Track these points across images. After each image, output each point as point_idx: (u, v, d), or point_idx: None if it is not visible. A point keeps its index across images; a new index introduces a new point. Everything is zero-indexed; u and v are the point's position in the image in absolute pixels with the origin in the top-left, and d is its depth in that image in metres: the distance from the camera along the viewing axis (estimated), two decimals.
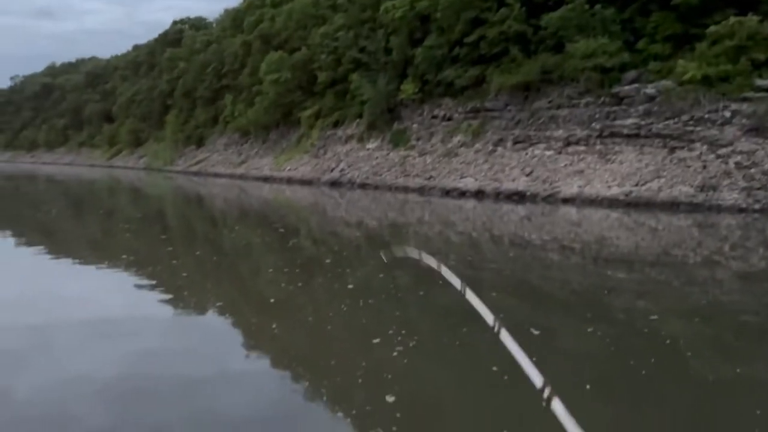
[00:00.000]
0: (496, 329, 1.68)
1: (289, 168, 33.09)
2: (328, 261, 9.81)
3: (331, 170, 29.37)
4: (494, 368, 4.62)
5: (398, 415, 3.99)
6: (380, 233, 14.08)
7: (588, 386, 4.50)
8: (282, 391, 4.47)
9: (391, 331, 5.60)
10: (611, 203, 17.30)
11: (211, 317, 6.56)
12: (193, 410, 4.05)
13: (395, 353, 5.04)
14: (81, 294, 7.28)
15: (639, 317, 6.34)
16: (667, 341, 5.58)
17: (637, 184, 17.46)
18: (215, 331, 6.00)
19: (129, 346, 5.20)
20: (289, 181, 31.20)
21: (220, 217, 18.70)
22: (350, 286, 7.79)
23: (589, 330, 5.79)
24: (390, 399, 4.16)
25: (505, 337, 1.67)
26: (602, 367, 4.93)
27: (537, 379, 1.52)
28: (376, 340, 5.42)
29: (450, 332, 5.72)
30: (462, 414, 4.17)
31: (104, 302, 6.86)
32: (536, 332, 5.55)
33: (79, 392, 4.26)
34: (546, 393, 1.46)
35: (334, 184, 27.73)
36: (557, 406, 1.42)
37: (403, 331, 5.58)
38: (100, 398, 4.17)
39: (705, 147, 16.92)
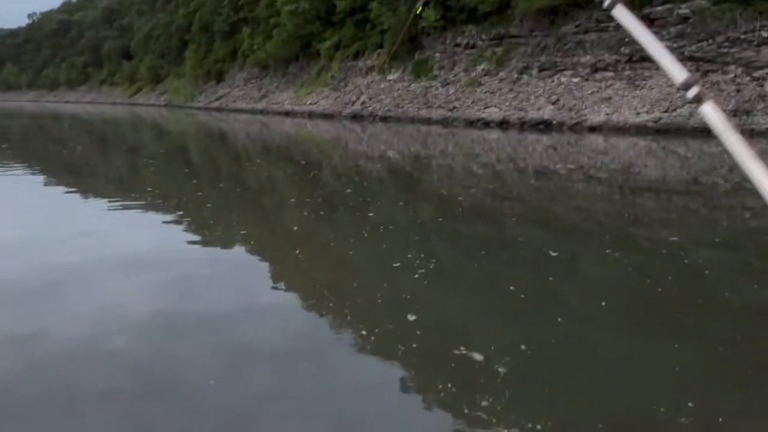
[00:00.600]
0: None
1: (309, 102, 32.73)
2: (349, 192, 9.83)
3: (352, 103, 28.97)
4: (511, 288, 4.77)
5: (418, 332, 4.14)
6: (402, 166, 13.99)
7: (608, 313, 4.51)
8: (307, 316, 4.62)
9: (410, 255, 5.74)
10: (639, 131, 16.86)
11: (237, 249, 6.67)
12: (223, 342, 4.15)
13: (416, 275, 5.18)
14: (109, 230, 7.42)
15: (665, 245, 6.26)
16: (694, 269, 5.52)
17: (666, 110, 16.92)
18: (241, 263, 6.12)
19: (159, 282, 5.33)
20: (310, 115, 30.94)
21: (242, 151, 18.73)
22: (371, 214, 7.83)
23: (613, 257, 5.76)
24: (411, 318, 4.32)
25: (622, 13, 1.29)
26: (624, 294, 4.91)
27: (679, 74, 1.21)
28: (396, 264, 5.55)
29: (469, 256, 5.83)
30: (479, 330, 4.30)
31: (133, 238, 6.99)
32: (554, 253, 5.55)
33: (114, 327, 4.39)
34: (693, 92, 1.16)
35: (356, 117, 27.42)
36: (707, 108, 1.14)
37: (422, 255, 5.72)
38: (134, 332, 4.30)
39: (740, 69, 16.23)
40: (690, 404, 3.28)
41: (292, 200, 9.41)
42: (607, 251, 6.01)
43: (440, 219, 7.14)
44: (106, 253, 6.23)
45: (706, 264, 5.72)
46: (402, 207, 8.50)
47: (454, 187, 10.49)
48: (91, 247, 6.50)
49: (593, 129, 18.00)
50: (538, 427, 3.10)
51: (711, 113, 1.18)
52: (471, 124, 21.64)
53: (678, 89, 1.22)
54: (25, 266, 5.79)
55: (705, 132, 14.67)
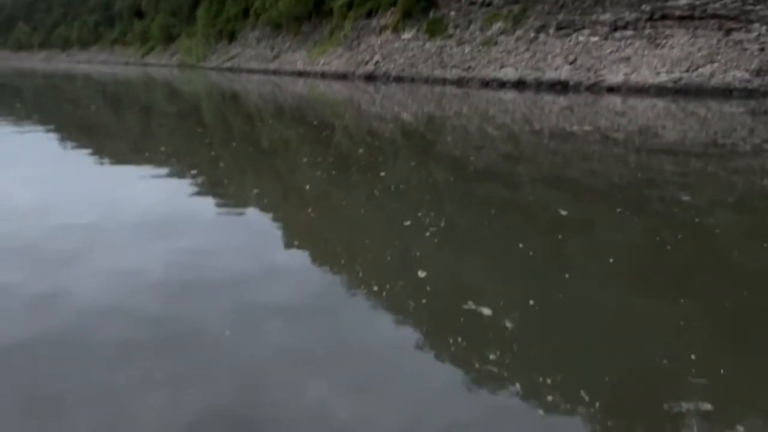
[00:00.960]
0: None
1: (322, 62, 32.35)
2: (362, 153, 9.79)
3: (366, 63, 28.60)
4: (520, 245, 4.94)
5: (428, 288, 4.25)
6: (416, 127, 13.87)
7: (618, 272, 4.52)
8: (320, 274, 4.70)
9: (420, 215, 5.87)
10: (659, 91, 16.52)
11: (251, 209, 6.71)
12: (238, 301, 4.22)
13: (427, 234, 5.32)
14: (124, 190, 7.48)
15: (679, 207, 6.20)
16: (707, 231, 5.48)
17: (687, 70, 16.54)
18: (255, 223, 6.17)
19: (175, 242, 5.39)
20: (323, 75, 30.62)
21: (255, 112, 18.65)
22: (383, 175, 7.82)
23: (625, 219, 5.72)
24: (421, 274, 4.43)
25: None
26: (635, 254, 4.90)
27: None
28: (407, 223, 5.68)
29: (480, 216, 5.90)
30: (488, 287, 4.40)
31: (147, 198, 7.05)
32: (566, 214, 5.54)
33: (133, 287, 4.47)
34: None
35: (369, 77, 27.10)
36: None
37: (433, 214, 5.84)
38: (152, 292, 4.38)
39: (764, 28, 15.73)
40: (693, 359, 3.31)
41: (305, 160, 9.40)
42: (620, 213, 5.97)
43: (453, 180, 7.13)
44: (122, 214, 6.30)
45: (719, 226, 5.66)
46: (414, 168, 8.46)
47: (467, 148, 10.41)
48: (106, 207, 6.57)
49: (611, 89, 17.66)
50: (548, 380, 3.15)
51: None
52: (486, 84, 21.31)
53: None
54: (42, 226, 5.87)
55: (726, 92, 14.45)
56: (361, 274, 4.64)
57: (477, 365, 3.36)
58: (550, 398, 3.08)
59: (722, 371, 3.25)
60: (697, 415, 2.93)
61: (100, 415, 3.02)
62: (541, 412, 2.99)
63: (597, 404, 3.08)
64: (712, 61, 16.04)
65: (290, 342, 3.70)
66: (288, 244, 5.46)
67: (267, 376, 3.34)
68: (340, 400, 3.14)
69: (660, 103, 15.21)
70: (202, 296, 4.33)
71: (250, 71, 37.18)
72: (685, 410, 2.97)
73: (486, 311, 3.84)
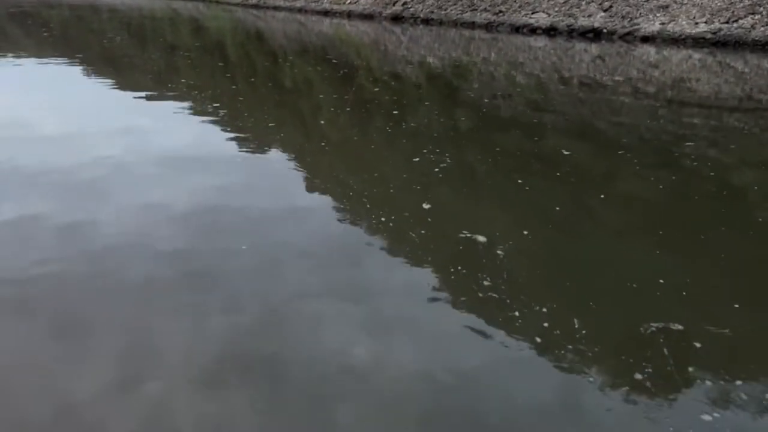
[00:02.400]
0: None
1: (349, 1, 31.57)
2: (384, 96, 9.69)
3: (393, 4, 27.85)
4: (519, 181, 5.41)
5: (429, 219, 4.59)
6: (442, 72, 13.62)
7: (637, 227, 4.50)
8: (340, 214, 4.82)
9: (425, 151, 6.19)
10: (696, 42, 15.93)
11: (273, 149, 6.74)
12: (260, 238, 4.32)
13: (437, 169, 5.66)
14: (149, 125, 7.54)
15: (708, 164, 6.09)
16: (735, 190, 5.39)
17: (728, 21, 15.86)
18: (276, 162, 6.24)
19: (199, 179, 5.47)
20: (350, 15, 29.94)
21: (279, 51, 18.42)
22: (404, 118, 7.79)
23: (651, 174, 5.64)
24: (426, 206, 4.78)
25: None
26: (657, 211, 4.86)
27: None
28: (416, 159, 5.98)
29: (484, 152, 6.09)
30: (485, 217, 4.74)
31: (172, 134, 7.11)
32: (590, 168, 5.48)
33: (158, 221, 4.59)
34: None
35: (396, 18, 26.45)
36: None
37: (437, 150, 6.19)
38: (176, 226, 4.49)
39: None
40: (700, 317, 3.34)
41: (327, 101, 9.35)
42: (645, 167, 5.88)
43: (476, 127, 7.06)
44: (147, 149, 6.38)
45: (748, 186, 5.56)
46: (438, 113, 8.36)
47: (493, 95, 10.23)
48: (132, 141, 6.65)
49: (646, 39, 17.06)
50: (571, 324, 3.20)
51: None
52: (517, 30, 20.69)
53: None
54: (69, 159, 5.98)
55: (766, 46, 13.83)
56: (368, 205, 4.85)
57: (484, 296, 3.43)
58: (546, 324, 3.16)
59: (729, 330, 3.26)
60: (693, 357, 2.98)
61: (127, 342, 3.16)
62: (538, 339, 3.17)
63: (584, 330, 3.18)
64: (754, 12, 15.33)
65: (310, 275, 3.80)
66: (308, 184, 5.55)
67: (288, 312, 3.46)
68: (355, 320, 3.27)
69: (696, 55, 14.68)
70: (226, 233, 4.43)
71: (276, 8, 36.45)
72: (672, 346, 3.02)
73: (499, 251, 3.89)
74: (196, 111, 8.29)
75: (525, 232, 4.42)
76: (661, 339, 3.17)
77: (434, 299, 3.61)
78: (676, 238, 4.35)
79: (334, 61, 14.88)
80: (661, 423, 2.65)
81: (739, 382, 2.88)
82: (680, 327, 3.26)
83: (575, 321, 3.32)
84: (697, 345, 3.11)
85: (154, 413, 2.67)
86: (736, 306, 3.49)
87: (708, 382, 2.90)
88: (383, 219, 4.66)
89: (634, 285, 3.71)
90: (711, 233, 4.45)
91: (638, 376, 2.91)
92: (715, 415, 2.69)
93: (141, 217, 4.64)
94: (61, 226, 4.45)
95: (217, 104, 8.50)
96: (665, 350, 3.06)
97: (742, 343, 3.17)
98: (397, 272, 3.92)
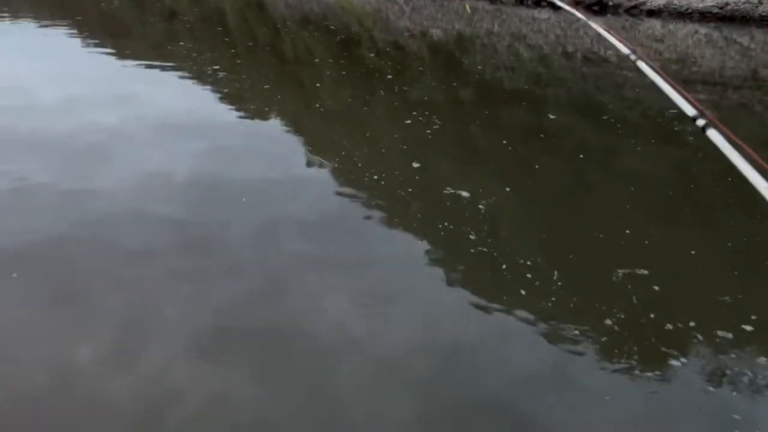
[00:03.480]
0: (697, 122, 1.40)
1: None
2: (386, 67, 9.59)
3: None
4: (504, 141, 5.72)
5: (417, 177, 4.83)
6: (445, 45, 13.46)
7: (636, 201, 4.50)
8: (339, 184, 4.84)
9: (415, 112, 6.38)
10: (702, 17, 15.71)
11: (272, 117, 6.71)
12: (258, 209, 4.30)
13: (428, 130, 5.90)
14: (148, 92, 7.46)
15: (710, 142, 6.05)
16: (735, 167, 5.37)
17: None
18: (275, 130, 6.25)
19: (198, 148, 5.43)
20: None
21: (281, 20, 18.17)
22: (406, 91, 7.75)
23: (654, 151, 5.62)
24: (415, 165, 5.04)
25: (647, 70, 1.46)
26: (658, 186, 4.85)
27: (689, 109, 1.39)
28: (408, 121, 6.13)
29: (502, 138, 5.99)
30: (469, 176, 4.97)
31: (171, 101, 7.04)
32: (592, 143, 5.48)
33: (158, 188, 4.58)
34: (701, 123, 1.34)
35: None
36: (713, 135, 1.32)
37: (426, 112, 6.39)
38: (176, 194, 4.48)
39: None
40: (698, 286, 3.39)
41: (327, 71, 9.25)
42: (647, 143, 5.85)
43: (479, 101, 7.02)
44: (146, 117, 6.33)
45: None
46: (439, 86, 8.29)
47: (496, 69, 10.12)
48: (130, 108, 6.59)
49: (652, 13, 16.82)
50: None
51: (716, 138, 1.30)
52: (521, 2, 20.38)
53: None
54: (69, 126, 5.94)
55: None
56: (360, 164, 5.03)
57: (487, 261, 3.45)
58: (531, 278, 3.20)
59: (726, 298, 3.29)
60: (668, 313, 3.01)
61: (128, 306, 3.17)
62: (523, 291, 3.33)
63: (561, 280, 3.36)
64: None
65: (306, 241, 3.82)
66: (307, 151, 5.55)
67: (287, 277, 3.47)
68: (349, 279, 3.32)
69: (702, 30, 14.50)
70: (225, 201, 4.42)
71: None
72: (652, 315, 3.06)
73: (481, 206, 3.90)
74: (195, 78, 8.21)
75: (507, 189, 4.67)
76: (628, 286, 3.34)
77: (418, 249, 3.81)
78: (667, 208, 4.36)
79: (335, 31, 14.68)
80: (634, 370, 2.78)
81: (707, 335, 2.96)
82: (646, 274, 3.44)
83: (555, 273, 3.48)
84: (670, 301, 3.15)
85: (153, 383, 2.69)
86: (734, 274, 3.55)
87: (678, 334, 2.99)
88: (343, 155, 4.68)
89: (621, 242, 3.84)
90: (708, 209, 4.45)
91: (608, 322, 3.06)
92: (683, 360, 2.83)
93: (140, 184, 4.62)
94: (60, 193, 4.44)
95: (216, 66, 8.45)
96: (634, 298, 3.21)
97: (729, 303, 3.20)
98: (394, 236, 3.96)
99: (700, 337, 2.99)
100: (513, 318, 3.15)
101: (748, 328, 3.06)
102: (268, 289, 3.37)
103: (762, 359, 2.86)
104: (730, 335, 3.00)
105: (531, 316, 3.15)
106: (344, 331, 3.05)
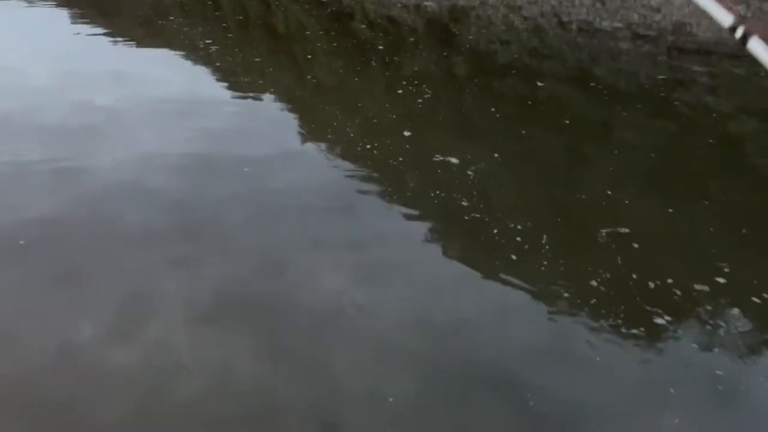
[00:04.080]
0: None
1: None
2: (379, 41, 9.50)
3: None
4: (492, 109, 5.95)
5: (408, 146, 4.97)
6: (439, 17, 13.31)
7: (632, 175, 4.52)
8: (333, 160, 4.86)
9: (406, 82, 6.53)
10: None
11: (266, 95, 6.66)
12: (255, 185, 4.30)
13: (420, 100, 6.05)
14: (141, 72, 7.38)
15: (707, 112, 6.06)
16: (733, 139, 5.38)
17: None
18: (270, 108, 6.21)
19: (192, 127, 5.40)
20: None
21: None
22: (400, 64, 7.70)
23: (650, 123, 5.62)
24: (407, 133, 5.16)
25: None
26: (655, 160, 4.86)
27: (724, 18, 1.32)
28: (400, 91, 6.26)
29: (464, 86, 6.29)
30: (460, 145, 5.03)
31: (164, 81, 6.98)
32: (588, 116, 5.51)
33: (153, 168, 4.56)
34: (739, 32, 1.26)
35: None
36: (754, 44, 1.23)
37: (416, 82, 6.52)
38: (170, 174, 4.47)
39: None
40: (676, 246, 3.45)
41: (320, 45, 9.16)
42: (643, 115, 5.85)
43: (472, 72, 6.98)
44: (140, 95, 6.27)
45: (747, 134, 5.55)
46: (434, 59, 8.22)
47: (491, 41, 10.04)
48: (125, 89, 6.53)
49: None
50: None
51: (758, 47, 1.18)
52: None
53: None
54: (62, 106, 5.89)
55: None
56: (352, 134, 5.12)
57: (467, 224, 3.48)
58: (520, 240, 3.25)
59: (724, 269, 3.33)
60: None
61: (126, 287, 3.19)
62: (514, 256, 3.44)
63: (549, 243, 3.47)
64: None
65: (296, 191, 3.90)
66: (300, 124, 5.56)
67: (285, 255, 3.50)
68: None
69: None
70: (221, 180, 4.42)
71: None
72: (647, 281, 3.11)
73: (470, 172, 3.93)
74: (187, 53, 8.12)
75: (496, 155, 4.78)
76: (612, 246, 3.46)
77: (411, 217, 3.91)
78: (669, 187, 4.37)
79: (327, 3, 14.48)
80: (620, 329, 2.88)
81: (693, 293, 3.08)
82: (628, 232, 3.58)
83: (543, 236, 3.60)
84: (652, 257, 3.20)
85: (155, 357, 2.72)
86: (710, 231, 3.64)
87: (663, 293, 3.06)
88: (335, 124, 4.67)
89: (605, 204, 3.97)
90: (703, 180, 4.47)
91: (593, 283, 3.16)
92: (667, 318, 2.94)
93: (136, 165, 4.61)
94: (55, 174, 4.42)
95: (209, 41, 8.37)
96: (618, 258, 3.33)
97: (727, 274, 3.24)
98: (389, 208, 4.01)
99: (678, 292, 3.12)
100: (505, 285, 3.24)
101: (721, 280, 3.20)
102: (266, 266, 3.39)
103: (735, 310, 3.00)
104: (706, 288, 3.16)
105: (521, 282, 3.23)
106: (343, 305, 3.08)
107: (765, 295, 3.15)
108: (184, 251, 3.48)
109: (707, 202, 4.18)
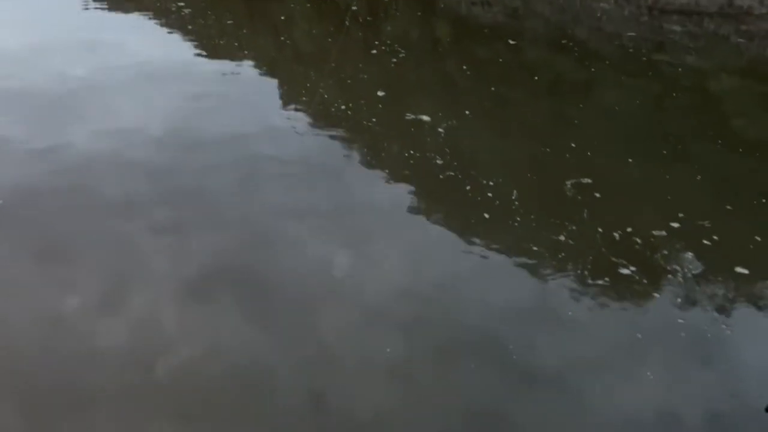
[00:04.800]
0: None
1: None
2: (351, 2, 9.34)
3: None
4: (464, 67, 5.92)
5: (380, 106, 5.05)
6: None
7: (613, 136, 4.56)
8: (317, 130, 4.80)
9: (381, 43, 6.56)
10: None
11: (246, 63, 6.53)
12: (238, 156, 4.26)
13: (394, 59, 6.15)
14: (117, 41, 7.14)
15: (687, 73, 6.08)
16: (712, 98, 5.43)
17: None
18: (250, 76, 6.08)
19: (172, 97, 5.29)
20: None
21: None
22: (354, 7, 7.63)
23: (631, 84, 5.63)
24: (380, 93, 5.22)
25: None
26: (636, 122, 4.88)
27: None
28: (374, 51, 6.33)
29: (436, 47, 6.41)
30: (431, 103, 5.10)
31: (142, 50, 6.77)
32: (569, 78, 5.53)
33: (133, 139, 4.48)
34: None
35: None
36: None
37: (389, 42, 6.60)
38: (152, 145, 4.39)
39: None
40: (676, 215, 3.51)
41: (293, 5, 8.98)
42: (624, 76, 5.86)
43: (452, 35, 6.92)
44: (117, 66, 6.10)
45: (725, 94, 5.60)
46: (415, 22, 8.11)
47: (473, 2, 9.90)
48: (101, 58, 6.35)
49: None
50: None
51: None
52: None
53: None
54: (38, 76, 5.72)
55: None
56: (328, 95, 5.14)
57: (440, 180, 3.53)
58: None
59: (705, 226, 3.41)
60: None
61: (112, 260, 3.15)
62: (487, 214, 3.54)
63: (518, 202, 3.56)
64: None
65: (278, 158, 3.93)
66: (279, 93, 5.49)
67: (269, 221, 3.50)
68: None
69: None
70: (202, 149, 4.35)
71: None
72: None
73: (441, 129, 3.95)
74: (160, 17, 7.92)
75: (467, 112, 4.84)
76: (579, 197, 3.62)
77: (388, 179, 3.97)
78: (650, 148, 4.41)
79: None
80: (585, 279, 3.02)
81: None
82: (590, 182, 3.74)
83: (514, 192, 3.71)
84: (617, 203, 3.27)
85: (143, 327, 2.72)
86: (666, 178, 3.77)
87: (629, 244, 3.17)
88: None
89: (568, 156, 4.08)
90: (680, 139, 4.52)
91: (562, 238, 3.27)
92: (632, 268, 3.07)
93: (114, 135, 4.51)
94: (34, 145, 4.31)
95: (181, 3, 8.17)
96: (585, 212, 3.50)
97: (707, 232, 3.32)
98: (367, 171, 4.06)
99: (639, 241, 3.28)
100: (479, 245, 3.33)
101: (675, 225, 3.41)
102: (252, 236, 3.38)
103: (688, 254, 3.19)
104: (663, 233, 3.35)
105: (493, 241, 3.34)
106: (328, 272, 3.10)
107: (715, 238, 3.31)
108: (168, 224, 3.45)
109: (665, 152, 4.30)
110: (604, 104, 5.18)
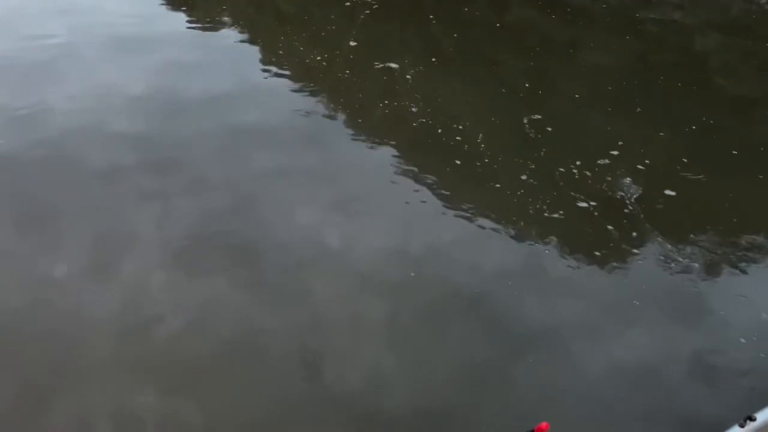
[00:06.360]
0: None
1: None
2: None
3: None
4: (430, 16, 6.19)
5: (352, 56, 5.11)
6: None
7: (597, 95, 4.58)
8: (297, 89, 4.77)
9: (362, 7, 6.37)
10: None
11: (224, 25, 6.38)
12: (219, 122, 4.19)
13: (362, 16, 6.11)
14: (94, 6, 6.93)
15: (673, 30, 6.04)
16: (697, 56, 5.42)
17: None
18: (229, 39, 5.95)
19: (152, 61, 5.14)
20: None
21: None
22: None
23: (617, 42, 5.60)
24: (352, 44, 5.30)
25: None
26: (623, 81, 4.87)
27: None
28: (347, 4, 6.28)
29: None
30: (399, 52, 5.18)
31: (118, 12, 6.57)
32: (554, 38, 5.52)
33: (114, 104, 4.38)
34: None
35: None
36: None
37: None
38: (134, 110, 4.30)
39: None
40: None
41: None
42: (609, 34, 5.81)
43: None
44: (94, 30, 5.93)
45: (710, 51, 5.59)
46: None
47: None
48: (75, 20, 6.16)
49: None
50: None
51: None
52: None
53: None
54: (11, 42, 5.55)
55: None
56: (313, 69, 5.05)
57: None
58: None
59: (690, 190, 3.48)
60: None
61: (99, 228, 3.10)
62: (458, 161, 3.70)
63: (485, 143, 3.80)
64: None
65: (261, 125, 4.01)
66: (263, 60, 5.38)
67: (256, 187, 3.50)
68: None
69: None
70: (185, 115, 4.26)
71: None
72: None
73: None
74: None
75: (433, 60, 5.03)
76: (539, 136, 3.88)
77: (365, 132, 4.04)
78: (634, 106, 4.42)
79: None
80: (544, 213, 3.24)
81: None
82: (540, 118, 4.02)
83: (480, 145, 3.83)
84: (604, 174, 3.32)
85: (132, 296, 2.71)
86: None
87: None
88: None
89: (523, 95, 4.01)
90: (663, 97, 4.53)
91: (524, 177, 3.21)
92: (636, 251, 3.15)
93: (96, 102, 4.40)
94: (13, 112, 4.19)
95: None
96: (543, 151, 3.77)
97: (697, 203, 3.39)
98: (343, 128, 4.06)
99: (588, 173, 3.54)
100: (452, 193, 3.48)
101: (615, 152, 3.73)
102: (239, 201, 3.35)
103: (627, 179, 3.48)
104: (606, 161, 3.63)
105: (465, 185, 3.54)
106: (316, 235, 3.12)
107: (647, 161, 3.60)
108: (153, 190, 3.38)
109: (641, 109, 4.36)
110: (588, 62, 5.15)
